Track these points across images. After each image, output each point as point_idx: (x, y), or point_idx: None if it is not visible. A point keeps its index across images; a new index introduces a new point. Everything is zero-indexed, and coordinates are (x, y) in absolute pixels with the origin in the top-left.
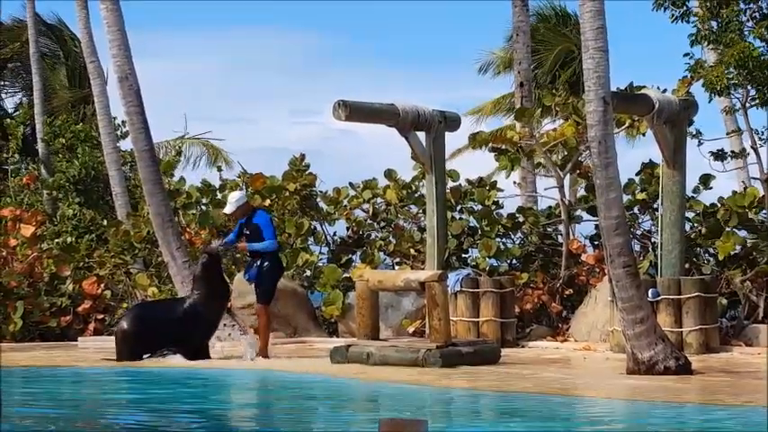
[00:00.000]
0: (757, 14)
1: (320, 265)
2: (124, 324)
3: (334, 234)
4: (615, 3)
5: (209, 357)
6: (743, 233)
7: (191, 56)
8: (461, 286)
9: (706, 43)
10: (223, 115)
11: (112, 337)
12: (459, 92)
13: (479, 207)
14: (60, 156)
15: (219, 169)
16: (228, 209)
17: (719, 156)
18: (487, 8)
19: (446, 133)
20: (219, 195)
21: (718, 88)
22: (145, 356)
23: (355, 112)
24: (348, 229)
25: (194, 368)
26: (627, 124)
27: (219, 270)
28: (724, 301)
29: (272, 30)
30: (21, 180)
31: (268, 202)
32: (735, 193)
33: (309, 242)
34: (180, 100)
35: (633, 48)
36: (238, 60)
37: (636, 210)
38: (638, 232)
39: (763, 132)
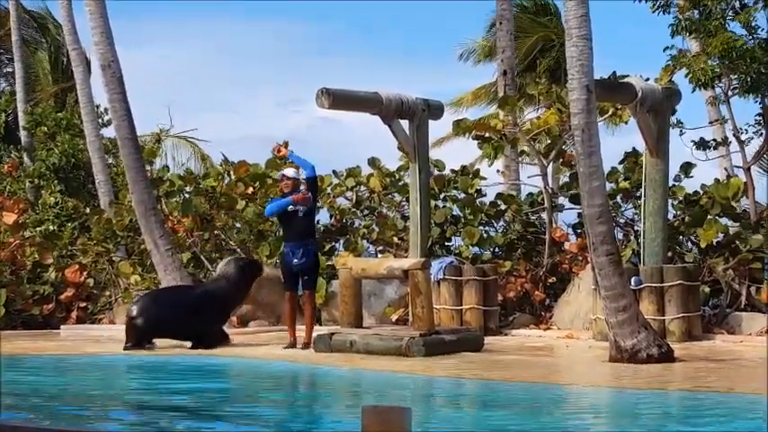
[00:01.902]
0: (738, 3)
1: None
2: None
3: (318, 222)
4: None
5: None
6: (725, 221)
7: (174, 45)
8: (444, 274)
9: (687, 33)
10: (208, 104)
11: (95, 326)
12: (442, 82)
13: (463, 195)
14: (41, 144)
15: (204, 158)
16: (289, 172)
17: (701, 145)
18: None
19: (430, 122)
20: (202, 184)
21: (703, 80)
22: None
23: (339, 100)
24: (331, 216)
25: (173, 356)
26: (610, 113)
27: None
28: (706, 290)
29: (256, 18)
30: (3, 168)
31: (251, 190)
32: (717, 181)
33: None
34: (162, 89)
35: (617, 36)
36: (223, 49)
37: (619, 198)
38: (621, 220)
39: (746, 129)
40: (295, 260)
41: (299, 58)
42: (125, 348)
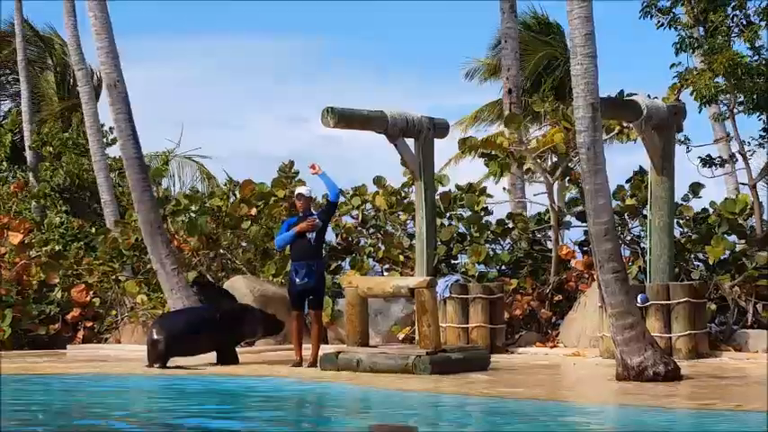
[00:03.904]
0: (744, 21)
1: None
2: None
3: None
4: (604, 10)
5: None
6: (732, 238)
7: (175, 62)
8: (450, 292)
9: (691, 51)
10: (209, 120)
11: (102, 345)
12: (445, 99)
13: (469, 213)
14: (47, 164)
15: (210, 177)
16: (303, 189)
17: (708, 162)
18: (474, 16)
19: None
20: (208, 203)
21: (707, 96)
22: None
23: (344, 118)
24: (337, 235)
25: (179, 377)
26: (616, 130)
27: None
28: (713, 307)
29: (257, 35)
30: (9, 188)
31: (254, 211)
32: (727, 199)
33: None
34: (161, 105)
35: (623, 55)
36: (223, 66)
37: (626, 216)
38: (628, 238)
39: (749, 141)
40: (297, 280)
41: (301, 74)
42: (147, 366)
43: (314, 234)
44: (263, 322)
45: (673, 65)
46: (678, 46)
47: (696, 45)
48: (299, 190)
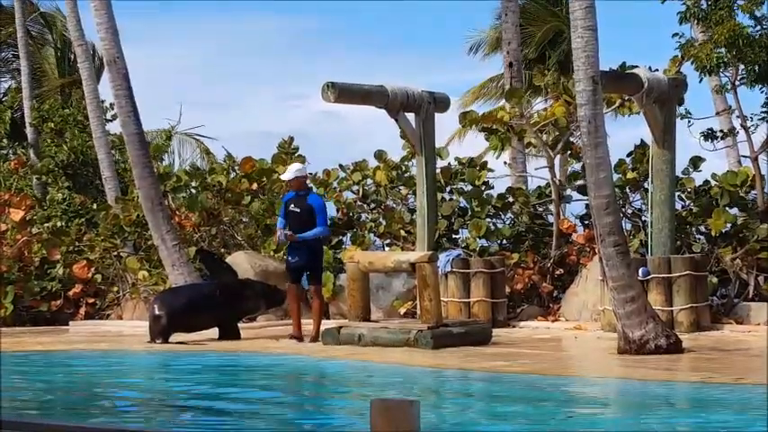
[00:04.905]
0: None
1: None
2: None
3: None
4: None
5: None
6: (734, 211)
7: (175, 41)
8: (452, 267)
9: (695, 21)
10: (209, 100)
11: (103, 322)
12: (447, 75)
13: (470, 187)
14: (49, 140)
15: (208, 153)
16: (287, 175)
17: (709, 136)
18: None
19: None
20: (209, 179)
21: (708, 67)
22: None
23: (344, 93)
24: (338, 210)
25: (175, 351)
26: (617, 104)
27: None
28: (714, 280)
29: (256, 14)
30: (9, 164)
31: (256, 185)
32: (728, 171)
33: None
34: (161, 86)
35: (624, 28)
36: (222, 45)
37: (627, 189)
38: (629, 211)
39: (752, 117)
40: (289, 257)
41: (300, 52)
42: (149, 342)
43: (304, 211)
44: (265, 295)
45: (675, 34)
46: (683, 15)
47: (701, 16)
48: (292, 169)
